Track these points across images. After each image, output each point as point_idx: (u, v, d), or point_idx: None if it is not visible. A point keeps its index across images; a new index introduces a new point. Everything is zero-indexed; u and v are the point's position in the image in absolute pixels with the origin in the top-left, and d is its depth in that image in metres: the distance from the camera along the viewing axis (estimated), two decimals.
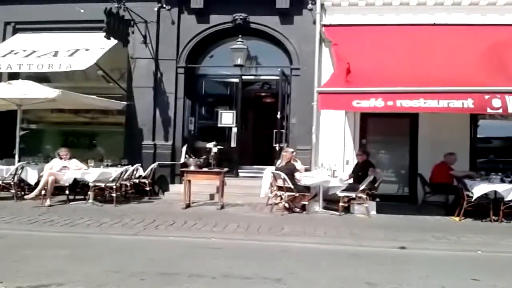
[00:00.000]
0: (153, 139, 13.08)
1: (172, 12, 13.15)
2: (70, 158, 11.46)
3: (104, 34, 11.54)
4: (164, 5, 13.04)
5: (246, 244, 7.53)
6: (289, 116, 13.05)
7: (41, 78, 12.88)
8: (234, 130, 13.52)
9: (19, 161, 11.86)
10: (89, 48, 12.43)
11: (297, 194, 10.32)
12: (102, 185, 10.97)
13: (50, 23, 13.61)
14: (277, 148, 12.84)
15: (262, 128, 15.17)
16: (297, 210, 10.58)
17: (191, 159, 11.25)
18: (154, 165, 12.60)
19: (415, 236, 8.21)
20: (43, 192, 10.78)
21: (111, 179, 11.00)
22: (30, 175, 11.69)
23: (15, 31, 13.88)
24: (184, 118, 13.39)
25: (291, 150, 11.40)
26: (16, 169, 11.35)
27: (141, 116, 13.13)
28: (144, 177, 12.36)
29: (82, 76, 13.53)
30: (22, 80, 11.74)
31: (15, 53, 12.54)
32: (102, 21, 12.61)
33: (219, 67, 13.84)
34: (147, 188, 12.27)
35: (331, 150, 12.17)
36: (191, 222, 9.09)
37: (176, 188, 12.85)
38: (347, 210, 10.52)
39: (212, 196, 12.26)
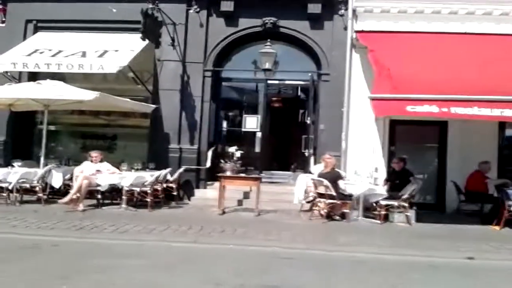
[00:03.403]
0: (179, 143, 12.83)
1: (200, 14, 12.96)
2: (101, 161, 11.18)
3: (140, 35, 11.31)
4: (193, 7, 12.81)
5: (313, 254, 7.34)
6: (317, 122, 12.92)
7: (58, 78, 12.49)
8: (258, 134, 13.41)
9: (45, 164, 11.51)
10: (118, 50, 12.15)
11: (339, 202, 10.18)
12: (138, 189, 10.71)
13: (72, 22, 13.28)
14: (306, 154, 12.74)
15: (287, 133, 15.06)
16: (337, 218, 10.45)
17: (227, 164, 11.10)
18: (181, 170, 12.33)
19: (473, 246, 8.15)
20: (74, 196, 10.48)
21: (146, 184, 10.74)
22: (55, 179, 11.41)
23: (36, 29, 13.50)
24: (210, 122, 13.19)
25: (328, 156, 11.23)
26: (45, 172, 11.00)
27: (167, 119, 12.88)
28: (171, 182, 12.08)
29: (100, 77, 13.09)
30: (51, 80, 11.33)
31: (40, 52, 12.19)
32: (128, 22, 12.58)
33: (245, 71, 13.67)
34: (174, 193, 12.02)
35: (360, 156, 12.03)
36: (241, 229, 8.92)
37: (201, 193, 12.69)
38: (385, 218, 10.44)
39: (240, 202, 12.07)
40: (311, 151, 12.83)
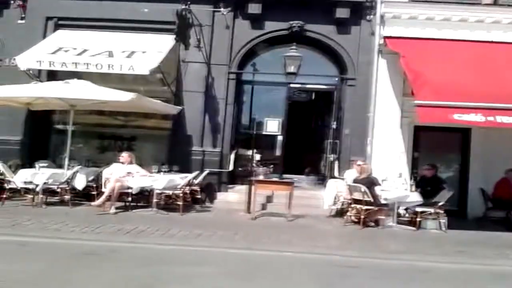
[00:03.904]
0: (201, 145, 12.67)
1: (227, 16, 12.80)
2: (130, 163, 10.99)
3: (174, 36, 11.37)
4: (221, 10, 12.68)
5: (374, 262, 7.27)
6: (341, 127, 12.89)
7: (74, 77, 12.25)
8: (279, 138, 13.31)
9: (69, 165, 11.24)
10: (145, 50, 11.91)
11: (376, 208, 10.15)
12: (170, 192, 10.57)
13: (94, 21, 12.97)
14: (331, 159, 12.68)
15: (308, 137, 14.99)
16: (372, 224, 10.42)
17: (260, 168, 11.06)
18: (205, 173, 12.16)
19: None
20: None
21: (179, 187, 10.60)
22: (79, 180, 11.11)
23: (56, 27, 13.18)
24: (232, 124, 13.07)
25: (363, 162, 11.21)
26: (73, 173, 10.78)
27: (190, 121, 12.70)
28: (195, 185, 11.91)
29: (117, 78, 12.72)
30: (78, 80, 11.09)
31: (65, 51, 11.89)
32: (153, 22, 12.54)
33: (267, 74, 13.53)
34: (199, 196, 11.87)
35: (384, 162, 12.05)
36: (284, 236, 8.85)
37: (223, 197, 12.52)
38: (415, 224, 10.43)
39: (264, 206, 11.94)
40: (336, 156, 12.75)
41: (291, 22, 12.76)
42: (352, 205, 10.48)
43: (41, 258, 6.42)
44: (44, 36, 12.96)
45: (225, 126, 12.87)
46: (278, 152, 13.33)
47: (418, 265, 7.26)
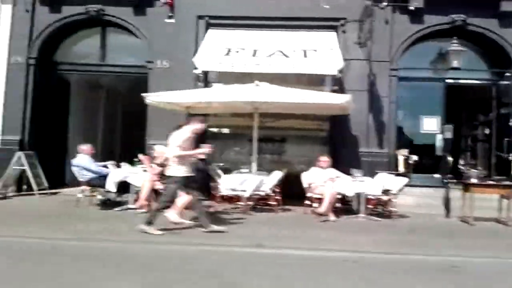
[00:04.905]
0: (368, 146, 12.16)
1: (385, 11, 12.28)
2: (328, 167, 10.48)
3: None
4: (379, 4, 12.16)
5: None
6: None
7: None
8: (439, 137, 12.78)
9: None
10: (316, 49, 11.43)
11: None
12: (385, 198, 10.09)
13: (245, 19, 12.42)
14: (510, 158, 12.17)
15: (468, 135, 14.55)
16: None
17: (472, 170, 10.49)
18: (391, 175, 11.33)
19: None
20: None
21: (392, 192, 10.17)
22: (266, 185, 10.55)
23: (208, 26, 12.55)
24: (396, 124, 12.65)
25: None
26: (277, 180, 10.33)
27: (354, 121, 12.19)
28: None
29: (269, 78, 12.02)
30: (263, 82, 10.47)
31: (236, 51, 11.35)
32: (306, 19, 12.17)
33: (425, 69, 13.04)
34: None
35: None
36: None
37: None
38: None
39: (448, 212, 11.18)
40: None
41: (454, 16, 12.33)
42: None
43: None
44: (197, 36, 12.33)
45: (390, 126, 12.38)
46: (438, 152, 12.80)
47: None
